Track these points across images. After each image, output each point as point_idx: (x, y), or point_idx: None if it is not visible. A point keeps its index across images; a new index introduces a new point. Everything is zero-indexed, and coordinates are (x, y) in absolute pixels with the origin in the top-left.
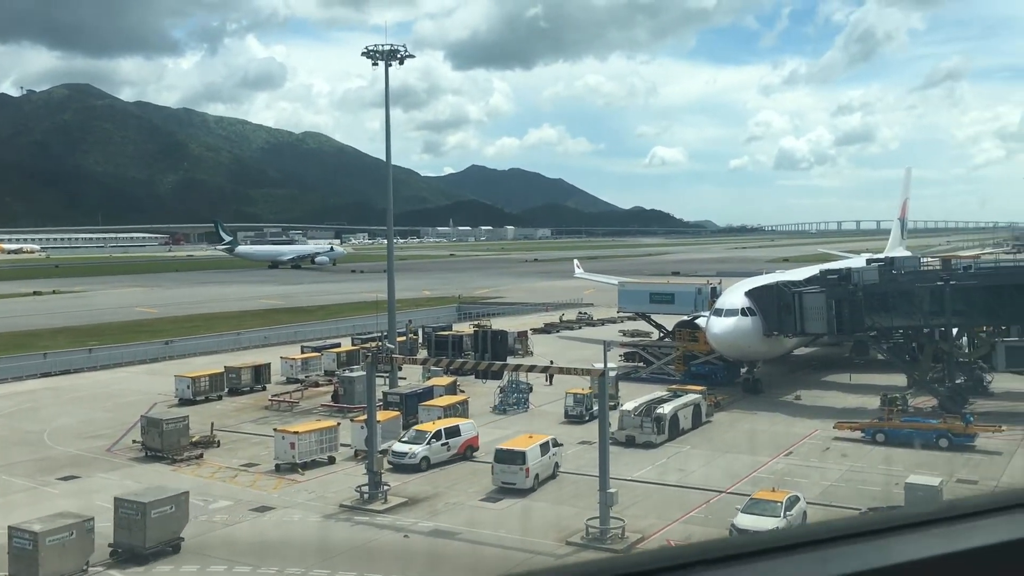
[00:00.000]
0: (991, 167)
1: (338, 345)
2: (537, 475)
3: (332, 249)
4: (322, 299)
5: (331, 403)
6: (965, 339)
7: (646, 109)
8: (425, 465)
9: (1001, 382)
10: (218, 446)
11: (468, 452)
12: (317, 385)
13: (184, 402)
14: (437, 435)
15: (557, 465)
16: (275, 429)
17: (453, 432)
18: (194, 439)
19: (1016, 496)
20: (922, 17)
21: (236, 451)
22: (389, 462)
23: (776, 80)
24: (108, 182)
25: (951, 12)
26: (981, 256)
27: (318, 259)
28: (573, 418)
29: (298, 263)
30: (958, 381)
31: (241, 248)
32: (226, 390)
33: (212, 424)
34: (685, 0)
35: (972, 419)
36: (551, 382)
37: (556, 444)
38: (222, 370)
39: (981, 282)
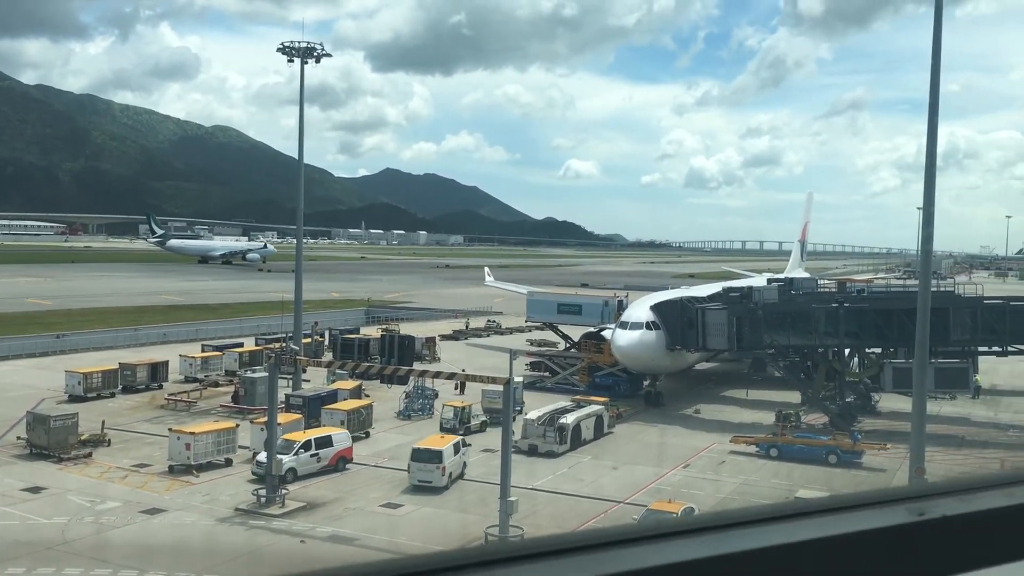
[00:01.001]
0: (887, 195)
1: (241, 345)
2: (451, 473)
3: (265, 247)
4: (227, 297)
5: (231, 404)
6: (856, 360)
7: (563, 122)
8: (291, 477)
9: (888, 402)
10: (108, 445)
11: (340, 464)
12: (217, 385)
13: (74, 399)
14: (306, 445)
15: (465, 464)
16: (170, 429)
17: (324, 442)
18: (83, 437)
19: (862, 497)
20: (830, 48)
21: (128, 451)
22: (253, 472)
23: (689, 100)
24: (1, 167)
25: (856, 45)
26: (873, 280)
27: (249, 256)
28: (446, 431)
29: (229, 259)
30: (848, 400)
31: (173, 242)
32: (120, 387)
33: (103, 422)
34: (606, 17)
35: (860, 437)
36: (463, 391)
37: (465, 444)
38: (116, 366)
39: (872, 306)
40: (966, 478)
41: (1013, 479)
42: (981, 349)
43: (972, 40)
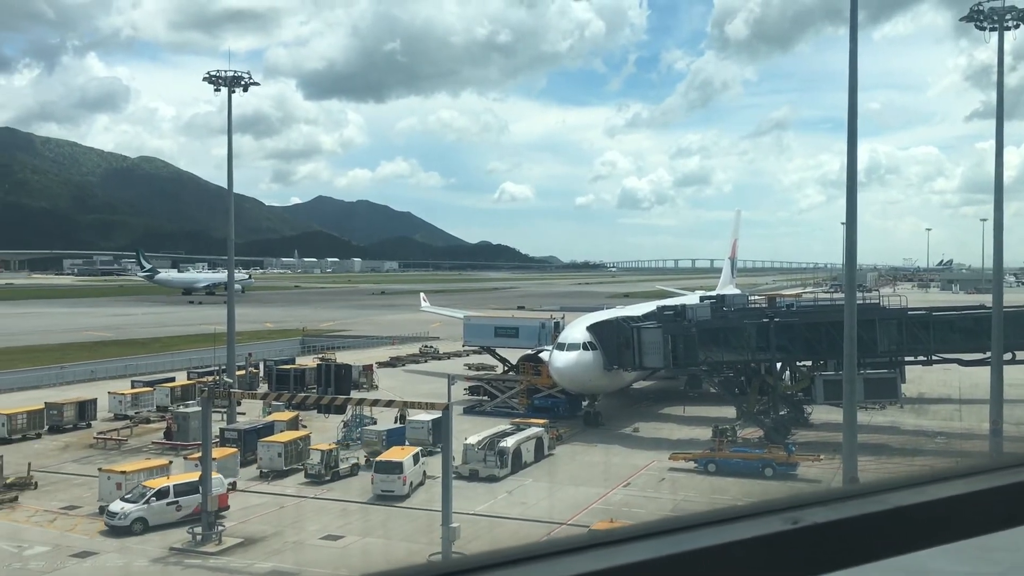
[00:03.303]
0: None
1: (172, 379)
2: (411, 482)
3: (249, 278)
4: (156, 331)
5: (163, 440)
6: (788, 373)
7: (497, 145)
8: (140, 528)
9: (819, 413)
10: (35, 488)
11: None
12: (148, 421)
13: None
14: (161, 493)
15: (425, 473)
16: (100, 469)
17: (189, 489)
18: (8, 480)
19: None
20: (755, 70)
21: (56, 493)
22: (105, 523)
23: (620, 122)
24: None
25: (780, 66)
26: (802, 295)
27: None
28: (313, 478)
29: (212, 290)
30: (782, 413)
31: (160, 276)
32: (46, 427)
33: (29, 464)
34: (539, 43)
35: (794, 449)
36: (403, 421)
37: (423, 455)
38: (42, 406)
39: (802, 320)
40: (838, 489)
41: (882, 487)
42: (907, 359)
43: (890, 59)
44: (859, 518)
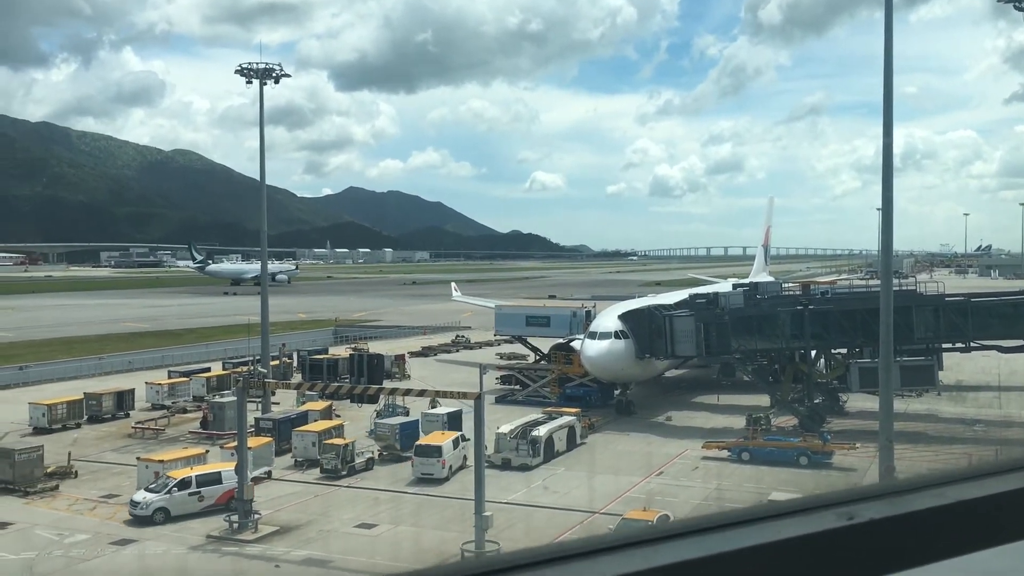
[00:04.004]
0: (848, 197)
1: (208, 370)
2: (451, 466)
3: (296, 268)
4: (192, 322)
5: (200, 430)
6: (823, 361)
7: (528, 135)
8: (161, 518)
9: (855, 401)
10: (75, 477)
11: (232, 503)
12: (185, 411)
13: (39, 431)
14: (183, 483)
15: (465, 457)
16: (138, 458)
17: (211, 479)
18: (49, 470)
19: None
20: (788, 55)
21: (96, 482)
22: (131, 512)
23: (651, 110)
24: None
25: (813, 51)
26: (837, 282)
27: (278, 277)
28: (328, 473)
29: (259, 282)
30: (816, 401)
31: (211, 267)
32: (86, 418)
33: (69, 454)
34: (570, 31)
35: (829, 437)
36: (435, 407)
37: (464, 439)
38: (81, 396)
39: (837, 307)
40: (899, 481)
41: (941, 480)
42: (945, 346)
43: (926, 43)
44: (920, 514)
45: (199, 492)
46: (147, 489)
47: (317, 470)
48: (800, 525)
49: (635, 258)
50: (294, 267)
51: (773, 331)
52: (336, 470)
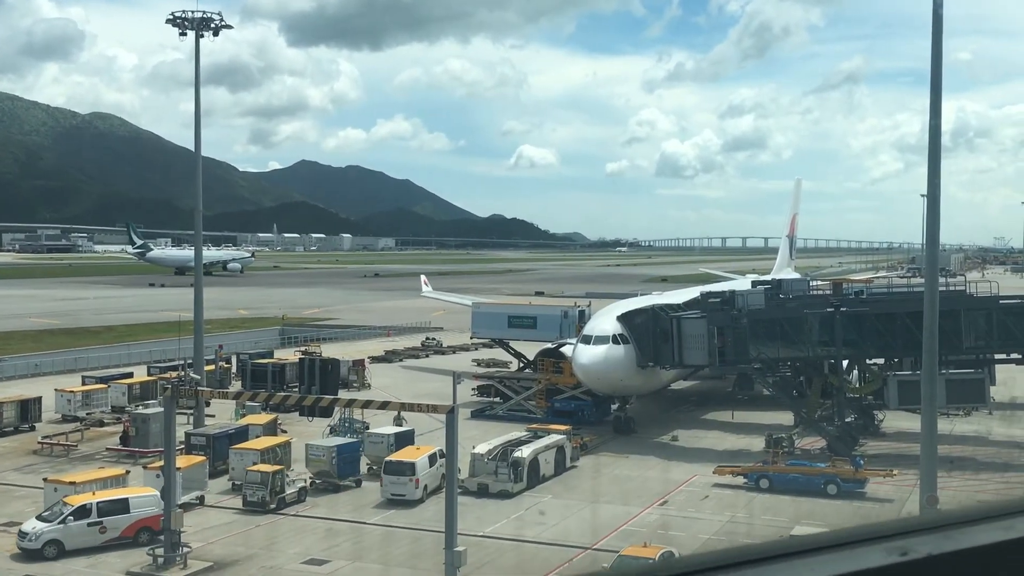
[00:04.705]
0: (888, 181)
1: (130, 375)
2: (426, 486)
3: (251, 256)
4: (112, 318)
5: (119, 447)
6: (856, 372)
7: (515, 102)
8: (53, 552)
9: (893, 420)
10: None
11: (140, 535)
12: (102, 424)
13: None
14: (82, 511)
15: (443, 476)
16: (45, 480)
17: (116, 508)
18: None
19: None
20: (822, 12)
21: None
22: (18, 545)
23: (661, 75)
24: None
25: (851, 8)
26: (873, 280)
27: (230, 266)
28: (253, 506)
29: (209, 270)
30: (848, 419)
31: (153, 253)
32: None
33: None
34: None
35: (862, 462)
36: (402, 422)
37: (442, 455)
38: None
39: (873, 309)
40: (955, 511)
41: (1010, 510)
42: (998, 357)
43: (983, 1)
44: (983, 549)
45: (100, 522)
46: (38, 517)
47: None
48: (838, 562)
49: (624, 249)
50: (249, 255)
51: (799, 337)
52: (263, 502)
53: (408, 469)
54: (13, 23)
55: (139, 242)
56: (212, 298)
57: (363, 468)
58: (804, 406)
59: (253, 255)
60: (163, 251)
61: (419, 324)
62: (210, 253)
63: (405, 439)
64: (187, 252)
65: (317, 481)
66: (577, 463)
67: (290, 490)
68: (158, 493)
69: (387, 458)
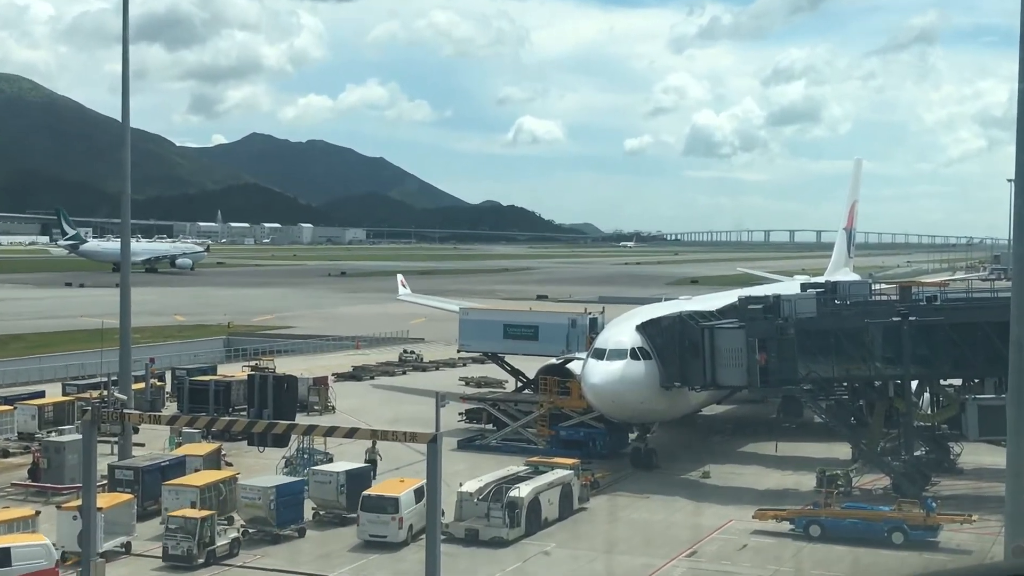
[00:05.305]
0: (968, 162)
1: (41, 394)
2: (411, 526)
3: (205, 251)
4: (19, 325)
5: (28, 481)
6: (927, 396)
7: (513, 64)
8: None
9: (973, 454)
10: None
11: None
12: (7, 454)
13: None
14: None
15: None
16: None
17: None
18: None
19: None
20: None
21: None
22: None
23: (692, 31)
24: None
25: None
26: (950, 283)
27: (179, 262)
28: (176, 560)
29: (153, 266)
30: (918, 453)
31: (88, 245)
32: None
33: None
34: None
35: (935, 505)
36: (377, 456)
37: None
38: None
39: (949, 319)
40: None
41: None
42: None
43: None
44: None
45: None
46: None
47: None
48: None
49: (631, 244)
50: (202, 249)
51: (858, 352)
52: (188, 556)
53: (390, 505)
54: None
55: (71, 232)
56: (144, 301)
57: (308, 514)
58: (864, 436)
59: (207, 249)
60: (99, 243)
61: (395, 334)
62: (157, 246)
63: (360, 478)
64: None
65: (251, 530)
66: (587, 504)
67: (222, 541)
68: (49, 542)
69: (366, 492)
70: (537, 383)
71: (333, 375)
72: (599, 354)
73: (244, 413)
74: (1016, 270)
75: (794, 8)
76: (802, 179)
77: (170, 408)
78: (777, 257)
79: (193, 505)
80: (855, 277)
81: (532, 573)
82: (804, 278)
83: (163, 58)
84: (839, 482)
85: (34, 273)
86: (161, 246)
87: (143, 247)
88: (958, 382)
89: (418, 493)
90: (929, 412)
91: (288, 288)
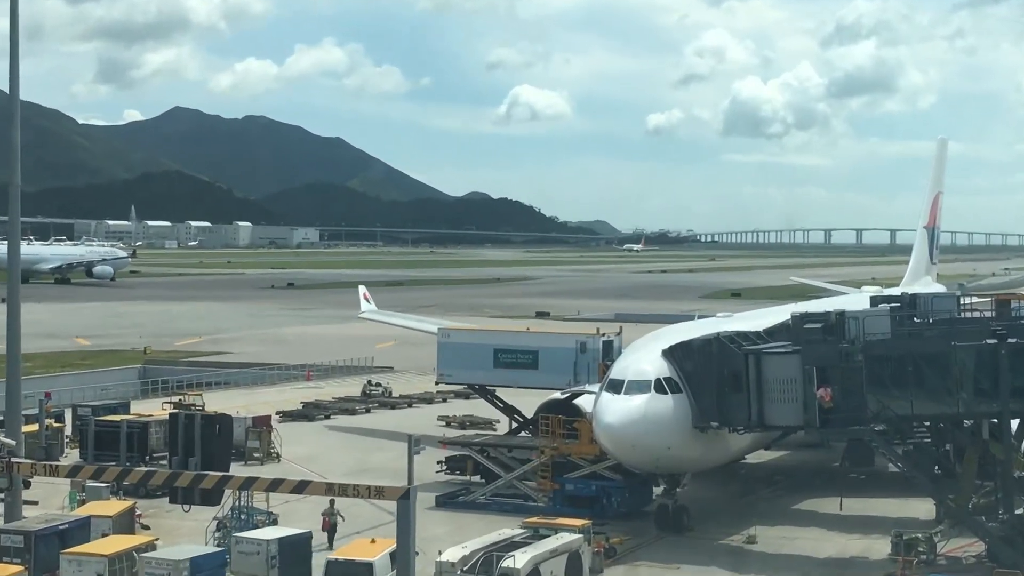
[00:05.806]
0: None
1: None
2: None
3: (134, 253)
4: None
5: None
6: None
7: (507, 21)
8: None
9: None
10: None
11: None
12: None
13: None
14: None
15: None
16: None
17: None
18: None
19: None
20: None
21: None
22: None
23: None
24: None
25: None
26: None
27: (98, 270)
28: None
29: (65, 275)
30: (1019, 511)
31: None
32: None
33: None
34: None
35: None
36: (337, 517)
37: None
38: None
39: None
40: None
41: None
42: None
43: None
44: None
45: None
46: None
47: None
48: None
49: (637, 248)
50: (125, 254)
51: (943, 383)
52: None
53: (363, 571)
54: None
55: None
56: (36, 320)
57: None
58: (952, 490)
59: (134, 254)
60: None
61: (356, 361)
62: (70, 250)
63: (297, 547)
64: (34, 248)
65: None
66: (601, 575)
67: None
68: None
69: (331, 556)
70: (537, 423)
71: (278, 414)
72: (615, 387)
73: (164, 462)
74: None
75: None
76: (872, 165)
77: (71, 456)
78: (840, 263)
79: None
80: (939, 288)
81: None
82: (875, 290)
83: (63, 12)
84: (920, 548)
85: None
86: (75, 250)
87: (52, 252)
88: None
89: (393, 557)
90: None
91: (221, 303)
